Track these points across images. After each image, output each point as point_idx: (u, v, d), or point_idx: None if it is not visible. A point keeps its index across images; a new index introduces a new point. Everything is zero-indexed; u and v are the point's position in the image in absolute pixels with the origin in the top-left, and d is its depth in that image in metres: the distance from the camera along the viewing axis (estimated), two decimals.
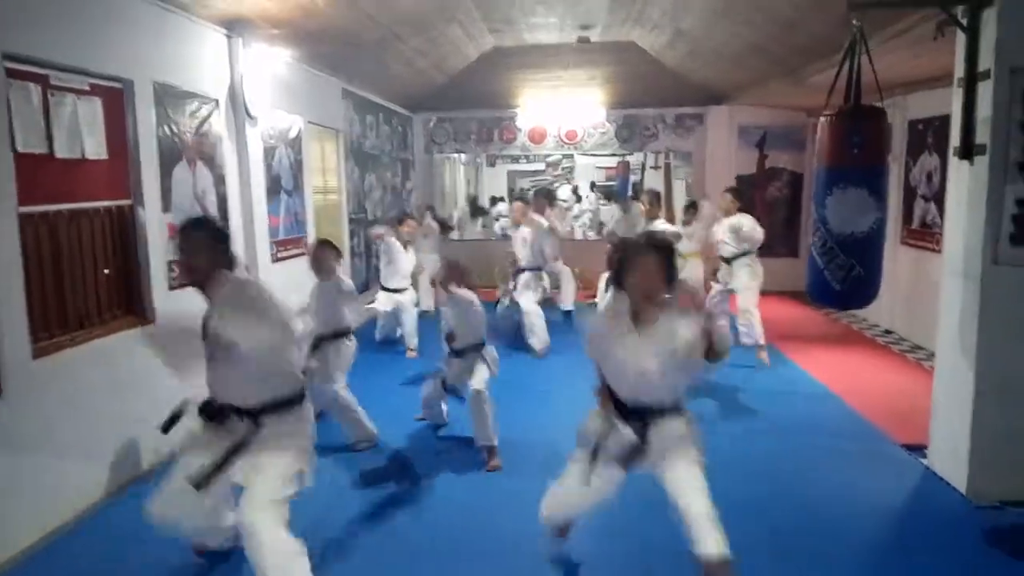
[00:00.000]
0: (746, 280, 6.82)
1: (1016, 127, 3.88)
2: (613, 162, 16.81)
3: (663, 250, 2.92)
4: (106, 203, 4.25)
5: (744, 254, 6.83)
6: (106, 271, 4.26)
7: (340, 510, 3.96)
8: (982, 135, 4.00)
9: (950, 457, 4.28)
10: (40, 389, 3.61)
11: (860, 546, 3.65)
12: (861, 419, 5.39)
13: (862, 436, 5.09)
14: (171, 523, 3.06)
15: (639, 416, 2.94)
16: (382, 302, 7.19)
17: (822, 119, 4.18)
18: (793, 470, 4.51)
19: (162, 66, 4.68)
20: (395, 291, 7.14)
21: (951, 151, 4.28)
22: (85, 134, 4.02)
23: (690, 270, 7.77)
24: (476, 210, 14.28)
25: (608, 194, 14.91)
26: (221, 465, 2.90)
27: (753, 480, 4.35)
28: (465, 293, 4.55)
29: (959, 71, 4.17)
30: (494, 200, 15.93)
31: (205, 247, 2.98)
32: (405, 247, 7.32)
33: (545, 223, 7.62)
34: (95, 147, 4.11)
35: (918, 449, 4.65)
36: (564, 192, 17.65)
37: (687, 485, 2.84)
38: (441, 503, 4.13)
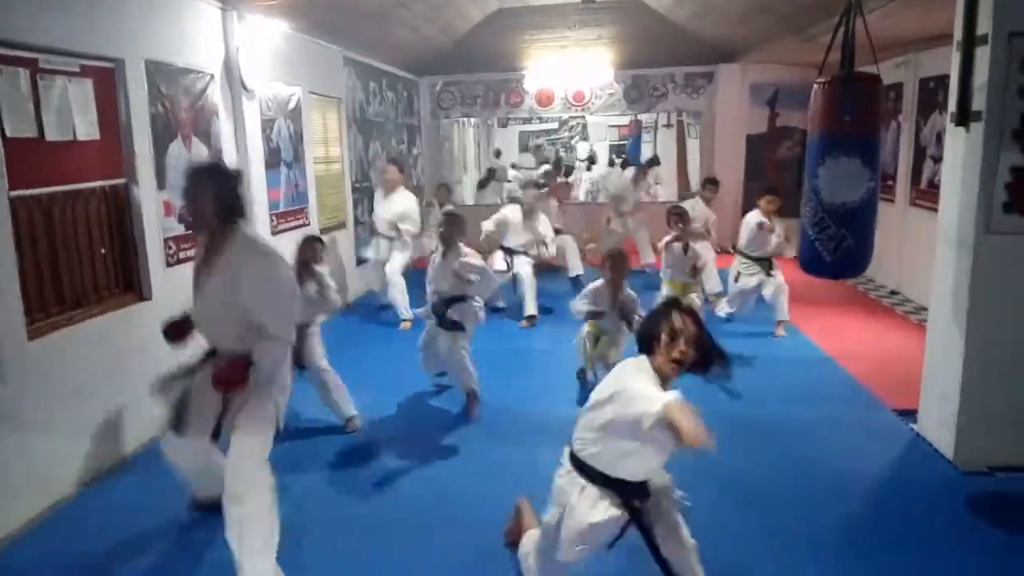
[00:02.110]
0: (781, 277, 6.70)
1: (1013, 94, 3.81)
2: (626, 120, 16.64)
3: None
4: (100, 183, 4.30)
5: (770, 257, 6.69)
6: (102, 250, 4.33)
7: (328, 483, 4.07)
8: (979, 101, 3.92)
9: (939, 423, 4.29)
10: (36, 369, 3.70)
11: (845, 513, 3.69)
12: (857, 384, 5.40)
13: (856, 402, 5.11)
14: (179, 467, 3.38)
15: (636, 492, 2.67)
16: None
17: (815, 86, 4.11)
18: (784, 437, 4.54)
19: (154, 43, 4.69)
20: None
21: (948, 116, 4.21)
22: (76, 115, 4.06)
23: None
24: (489, 178, 14.05)
25: (624, 163, 14.55)
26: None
27: (743, 448, 4.38)
28: (466, 248, 4.81)
29: (957, 34, 4.07)
30: (498, 153, 15.71)
31: (212, 194, 2.94)
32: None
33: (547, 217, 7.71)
34: (87, 128, 4.15)
35: (910, 414, 4.66)
36: (583, 150, 17.53)
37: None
38: (431, 472, 4.21)
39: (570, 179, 14.09)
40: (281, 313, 2.98)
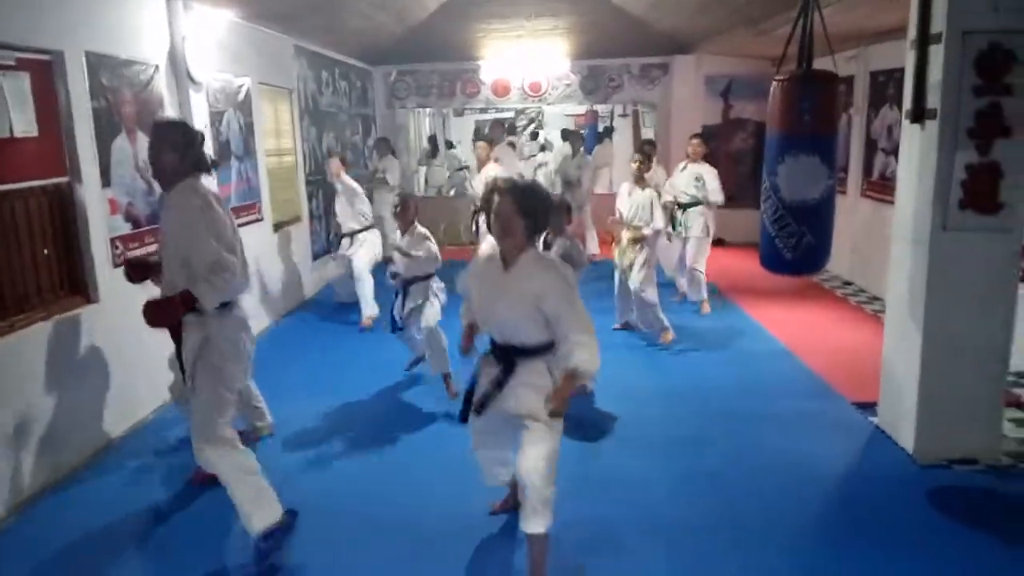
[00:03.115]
0: (698, 232, 6.99)
1: (967, 92, 3.85)
2: (582, 110, 16.62)
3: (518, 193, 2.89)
4: (41, 182, 4.10)
5: (698, 203, 6.99)
6: (45, 251, 4.14)
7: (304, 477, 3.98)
8: (933, 99, 3.96)
9: (898, 417, 4.36)
10: None
11: (804, 508, 3.72)
12: (814, 377, 5.48)
13: (814, 394, 5.18)
14: None
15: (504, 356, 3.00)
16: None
17: (774, 84, 4.12)
18: (743, 431, 4.58)
19: (95, 34, 4.48)
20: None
21: (902, 114, 4.25)
22: (13, 111, 3.85)
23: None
24: (435, 149, 13.98)
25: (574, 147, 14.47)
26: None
27: (702, 442, 4.43)
28: (421, 228, 5.03)
29: (911, 32, 4.11)
30: (449, 145, 15.61)
31: (170, 148, 3.17)
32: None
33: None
34: (24, 124, 3.94)
35: (869, 407, 4.74)
36: (540, 137, 17.44)
37: (532, 454, 2.87)
38: (410, 454, 4.23)
39: (514, 139, 14.09)
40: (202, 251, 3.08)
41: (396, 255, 5.01)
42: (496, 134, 9.84)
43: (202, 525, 3.56)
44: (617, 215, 6.15)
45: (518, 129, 16.59)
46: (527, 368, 2.95)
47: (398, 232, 5.12)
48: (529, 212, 2.84)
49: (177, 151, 3.17)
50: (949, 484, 3.94)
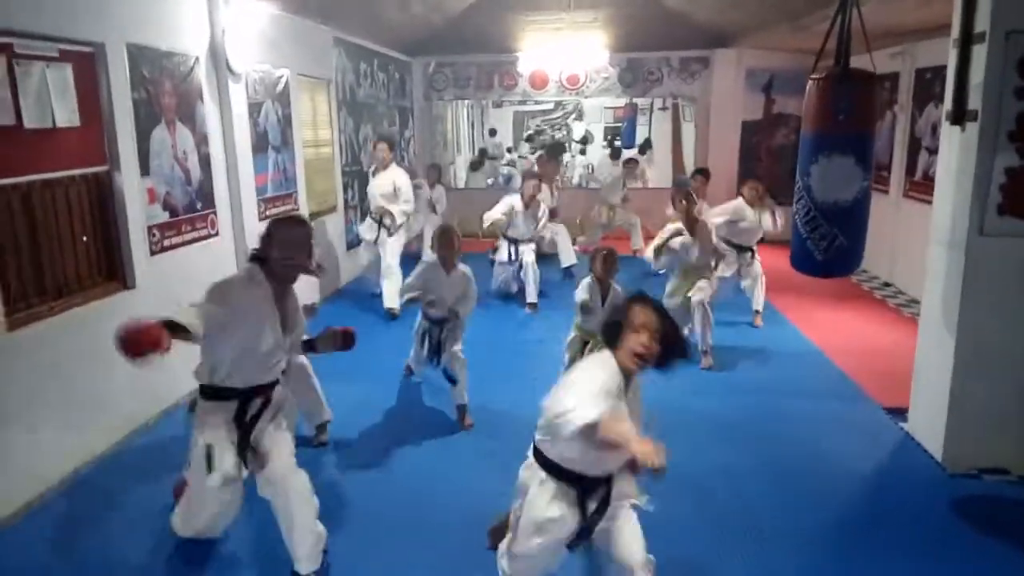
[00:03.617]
0: (759, 266, 6.68)
1: (1009, 94, 3.75)
2: (621, 103, 16.48)
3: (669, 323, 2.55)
4: (82, 171, 4.21)
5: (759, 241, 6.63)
6: (84, 239, 4.26)
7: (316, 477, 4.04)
8: (974, 101, 3.87)
9: (928, 424, 4.28)
10: (17, 360, 3.64)
11: (827, 512, 3.68)
12: (847, 380, 5.40)
13: (845, 398, 5.10)
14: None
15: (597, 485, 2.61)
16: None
17: (809, 82, 4.05)
18: (772, 434, 4.53)
19: (136, 26, 4.57)
20: None
21: (943, 114, 4.15)
22: (55, 102, 3.95)
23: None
24: (482, 163, 13.91)
25: (612, 149, 14.30)
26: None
27: (731, 443, 4.41)
28: (465, 268, 4.70)
29: (955, 31, 4.01)
30: (493, 132, 15.59)
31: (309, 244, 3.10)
32: None
33: (546, 204, 7.82)
34: (67, 115, 4.05)
35: (900, 413, 4.65)
36: (578, 129, 17.36)
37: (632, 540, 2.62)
38: (415, 465, 4.20)
39: (562, 158, 14.05)
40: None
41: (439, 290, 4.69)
42: (548, 169, 9.48)
43: None
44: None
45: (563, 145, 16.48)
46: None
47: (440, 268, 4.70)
48: (666, 343, 2.51)
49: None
50: (978, 493, 3.86)
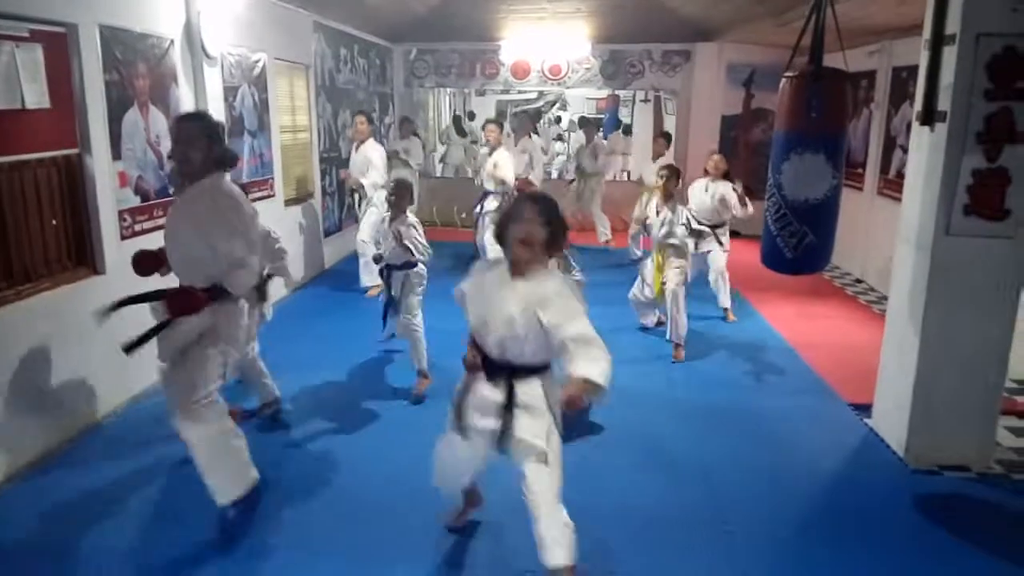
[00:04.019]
0: (721, 246, 6.59)
1: (978, 96, 3.79)
2: (603, 94, 16.49)
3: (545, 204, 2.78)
4: (51, 153, 4.16)
5: (721, 224, 6.57)
6: (53, 222, 4.21)
7: (290, 457, 4.05)
8: (944, 102, 3.91)
9: (891, 420, 4.35)
10: None
11: (789, 508, 3.74)
12: (814, 375, 5.47)
13: (811, 393, 5.18)
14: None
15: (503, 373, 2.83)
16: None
17: (783, 81, 4.08)
18: (739, 429, 4.58)
19: (110, 8, 4.51)
20: None
21: (913, 115, 4.20)
22: (25, 83, 3.90)
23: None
24: (460, 128, 13.91)
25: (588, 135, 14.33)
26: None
27: (697, 437, 4.46)
28: (411, 217, 4.89)
29: (926, 32, 4.05)
30: (472, 116, 15.60)
31: (196, 143, 3.18)
32: None
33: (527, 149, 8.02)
34: (36, 96, 3.99)
35: (865, 409, 4.72)
36: (564, 122, 17.37)
37: (542, 486, 2.76)
38: (401, 436, 4.24)
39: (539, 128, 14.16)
40: (231, 249, 3.18)
41: (383, 238, 4.93)
42: (521, 125, 9.83)
43: (191, 494, 3.60)
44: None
45: (543, 113, 16.54)
46: (526, 390, 2.80)
47: (387, 217, 4.96)
48: (552, 225, 2.73)
49: (203, 147, 3.19)
50: (938, 490, 3.94)
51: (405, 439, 4.27)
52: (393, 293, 4.92)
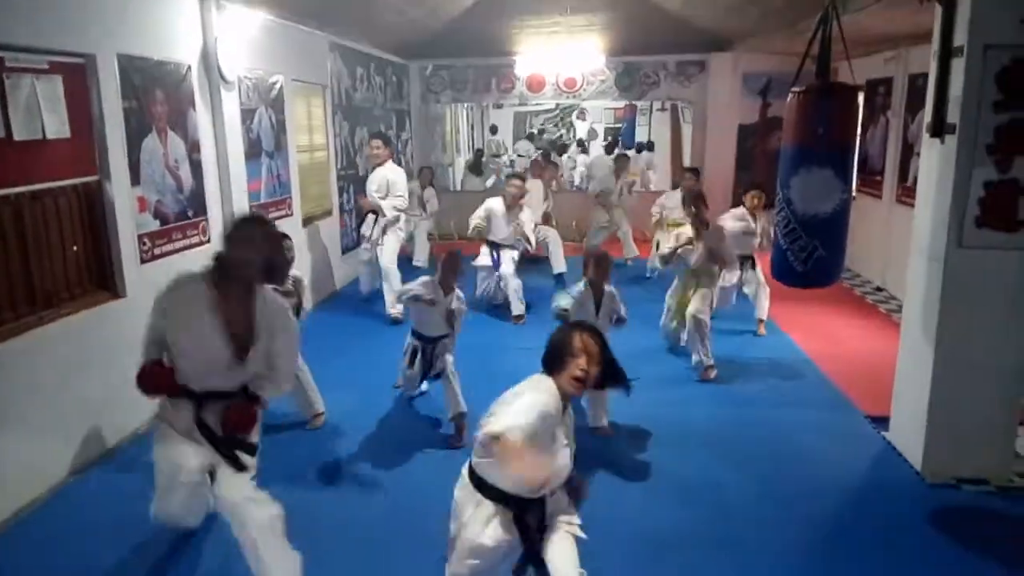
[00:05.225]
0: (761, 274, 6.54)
1: (987, 108, 3.77)
2: (621, 104, 16.51)
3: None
4: (72, 181, 4.27)
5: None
6: (74, 248, 4.32)
7: (301, 488, 4.09)
8: (953, 114, 3.90)
9: (908, 433, 4.32)
10: (6, 369, 3.70)
11: (804, 522, 3.72)
12: (832, 387, 5.44)
13: (829, 406, 5.14)
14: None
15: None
16: None
17: (790, 96, 4.09)
18: (756, 444, 4.57)
19: (127, 37, 4.62)
20: None
21: (924, 126, 4.18)
22: (45, 114, 4.01)
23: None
24: (478, 165, 13.73)
25: (608, 146, 14.32)
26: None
27: (711, 451, 4.45)
28: (459, 292, 4.75)
29: (935, 44, 4.04)
30: (494, 129, 15.64)
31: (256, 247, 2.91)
32: None
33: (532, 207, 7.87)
34: (56, 126, 4.10)
35: (882, 421, 4.69)
36: (581, 128, 17.38)
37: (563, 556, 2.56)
38: (414, 476, 4.21)
39: (562, 158, 14.14)
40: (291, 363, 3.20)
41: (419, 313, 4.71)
42: (539, 174, 9.77)
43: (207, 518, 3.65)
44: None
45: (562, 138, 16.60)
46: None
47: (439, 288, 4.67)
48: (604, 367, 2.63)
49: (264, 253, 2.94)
50: (956, 504, 3.90)
51: (423, 471, 4.28)
52: (435, 353, 4.73)
